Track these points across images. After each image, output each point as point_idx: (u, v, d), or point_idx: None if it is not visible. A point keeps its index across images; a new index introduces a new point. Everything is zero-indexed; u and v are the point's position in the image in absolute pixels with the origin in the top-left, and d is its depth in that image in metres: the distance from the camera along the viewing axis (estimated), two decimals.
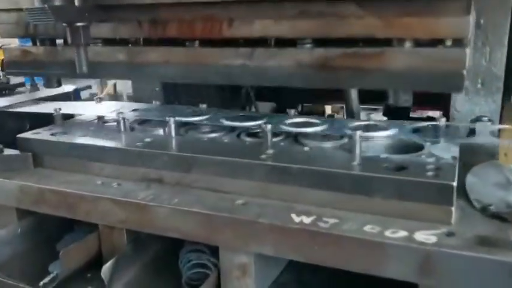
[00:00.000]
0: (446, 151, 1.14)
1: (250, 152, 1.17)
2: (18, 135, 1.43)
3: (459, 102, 1.42)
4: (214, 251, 1.27)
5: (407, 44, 0.97)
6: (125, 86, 3.08)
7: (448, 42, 0.97)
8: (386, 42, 0.99)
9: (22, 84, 2.07)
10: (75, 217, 1.25)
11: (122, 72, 1.23)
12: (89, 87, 3.81)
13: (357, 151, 1.08)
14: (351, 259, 0.96)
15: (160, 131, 1.39)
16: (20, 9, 1.24)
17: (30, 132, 1.46)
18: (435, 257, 0.89)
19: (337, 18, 0.97)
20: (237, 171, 1.14)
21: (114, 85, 4.43)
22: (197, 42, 1.14)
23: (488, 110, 1.43)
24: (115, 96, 4.05)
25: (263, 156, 1.14)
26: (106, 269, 1.15)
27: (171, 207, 1.11)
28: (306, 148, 1.21)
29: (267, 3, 1.01)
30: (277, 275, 1.21)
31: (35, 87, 1.95)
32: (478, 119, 1.36)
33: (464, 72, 0.94)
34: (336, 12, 0.97)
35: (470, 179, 1.14)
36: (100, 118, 1.55)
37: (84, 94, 3.27)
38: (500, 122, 1.54)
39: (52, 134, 1.42)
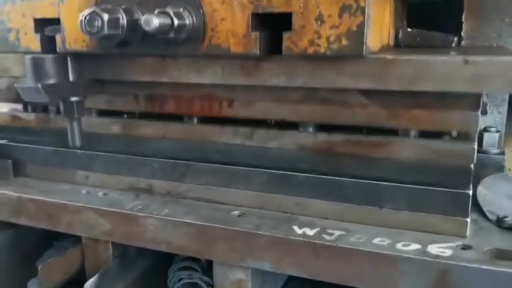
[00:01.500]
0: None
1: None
2: None
3: None
4: (206, 268, 1.19)
5: (413, 133, 0.92)
6: None
7: (454, 133, 0.92)
8: (392, 130, 0.94)
9: None
10: (56, 229, 1.16)
11: (117, 145, 1.17)
12: None
13: None
14: (359, 274, 0.87)
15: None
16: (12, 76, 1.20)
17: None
18: (452, 272, 0.82)
19: (342, 105, 0.94)
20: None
21: None
22: (195, 118, 1.10)
23: (494, 122, 1.39)
24: None
25: None
26: (89, 285, 1.05)
27: (161, 217, 1.02)
28: None
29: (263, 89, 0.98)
30: None
31: None
32: (485, 130, 1.31)
33: (472, 166, 0.89)
34: (341, 100, 0.93)
35: (481, 190, 1.08)
36: None
37: None
38: (506, 132, 1.49)
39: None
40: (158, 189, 1.14)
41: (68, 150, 1.23)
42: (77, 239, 1.30)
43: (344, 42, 0.82)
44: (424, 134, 0.93)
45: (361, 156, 0.94)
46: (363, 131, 0.97)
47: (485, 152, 1.28)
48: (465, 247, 0.87)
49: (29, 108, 1.33)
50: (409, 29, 1.16)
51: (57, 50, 1.05)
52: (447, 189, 0.90)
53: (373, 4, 0.86)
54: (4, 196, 1.21)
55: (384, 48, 1.02)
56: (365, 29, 0.81)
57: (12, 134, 1.32)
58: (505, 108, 1.41)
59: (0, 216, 1.23)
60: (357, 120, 0.95)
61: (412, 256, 0.84)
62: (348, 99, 0.93)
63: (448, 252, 0.85)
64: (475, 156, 0.90)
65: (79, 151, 1.22)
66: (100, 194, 1.17)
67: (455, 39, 1.17)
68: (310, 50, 0.85)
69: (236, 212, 1.03)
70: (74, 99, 1.04)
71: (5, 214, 1.22)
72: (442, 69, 0.82)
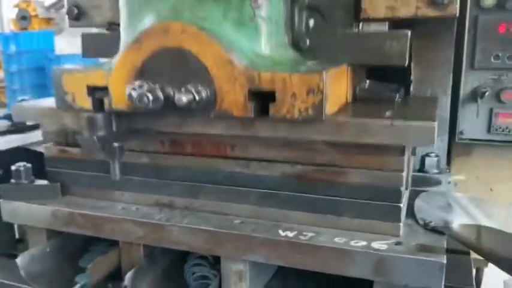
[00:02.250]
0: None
1: None
2: (47, 167, 1.70)
3: None
4: (213, 264, 1.55)
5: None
6: None
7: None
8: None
9: (37, 126, 2.36)
10: (100, 235, 1.52)
11: (148, 173, 1.54)
12: None
13: None
14: (324, 263, 1.25)
15: None
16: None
17: None
18: (388, 260, 1.20)
19: (310, 150, 1.33)
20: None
21: None
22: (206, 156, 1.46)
23: (436, 147, 1.77)
24: None
25: None
26: (129, 277, 1.41)
27: (182, 225, 1.39)
28: None
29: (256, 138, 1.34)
30: (267, 281, 1.49)
31: None
32: (427, 155, 1.69)
33: (402, 190, 1.27)
34: (311, 147, 1.32)
35: (418, 202, 1.46)
36: None
37: None
38: (449, 157, 1.88)
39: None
40: (178, 205, 1.50)
41: (107, 175, 1.60)
42: (108, 244, 1.67)
43: (310, 111, 1.19)
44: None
45: (326, 180, 1.32)
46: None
47: (426, 172, 1.66)
48: (398, 243, 1.24)
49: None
50: (365, 84, 1.55)
51: (105, 109, 1.38)
52: (385, 203, 1.28)
53: (331, 84, 1.23)
54: (57, 211, 1.56)
55: (341, 107, 1.40)
56: (323, 103, 1.18)
57: (60, 163, 1.67)
58: (446, 137, 1.79)
59: (55, 226, 1.59)
60: (320, 161, 1.32)
61: (360, 250, 1.22)
62: (314, 147, 1.31)
63: (385, 247, 1.22)
64: (404, 181, 1.27)
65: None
66: (133, 208, 1.53)
67: (402, 90, 1.55)
68: (288, 116, 1.21)
69: (237, 221, 1.40)
70: (115, 145, 1.35)
71: (58, 224, 1.57)
72: (376, 130, 1.20)
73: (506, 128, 1.74)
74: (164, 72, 1.27)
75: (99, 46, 1.80)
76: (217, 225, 1.38)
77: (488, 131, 1.76)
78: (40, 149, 1.81)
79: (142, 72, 1.30)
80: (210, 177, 1.45)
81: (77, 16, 1.77)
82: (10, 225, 1.82)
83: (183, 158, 1.48)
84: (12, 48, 8.47)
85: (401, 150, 1.24)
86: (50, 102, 1.57)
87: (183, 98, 1.18)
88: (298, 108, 1.21)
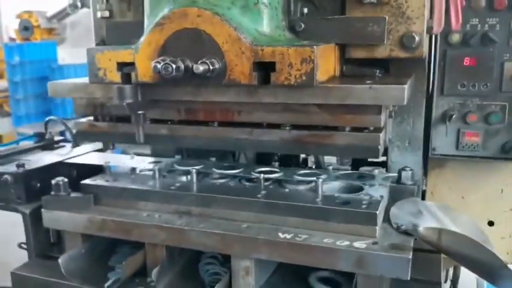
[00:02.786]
0: (377, 192, 1.76)
1: (250, 193, 1.77)
2: (82, 182, 1.99)
3: (394, 156, 2.05)
4: (223, 262, 1.84)
5: (347, 129, 1.59)
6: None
7: (371, 128, 1.60)
8: (335, 128, 1.62)
9: (64, 140, 2.64)
10: (129, 238, 1.81)
11: (166, 141, 1.83)
12: None
13: (319, 192, 1.69)
14: (316, 259, 1.55)
15: (184, 178, 1.98)
16: (93, 98, 1.85)
17: (89, 179, 2.03)
18: (366, 257, 1.50)
19: (305, 113, 1.61)
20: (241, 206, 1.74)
21: None
22: (216, 123, 1.75)
23: (413, 162, 2.06)
24: None
25: (259, 195, 1.75)
26: (155, 273, 1.70)
27: (198, 229, 1.69)
28: (287, 190, 1.81)
29: (260, 104, 1.64)
30: (269, 276, 1.79)
31: (75, 144, 2.53)
32: (403, 169, 1.99)
33: (380, 147, 1.56)
34: (305, 110, 1.61)
35: (393, 209, 1.76)
36: (134, 168, 2.13)
37: None
38: (425, 170, 2.18)
39: (106, 181, 2.00)
40: (194, 212, 1.80)
41: (133, 187, 1.90)
42: (131, 247, 1.97)
43: (304, 78, 1.46)
44: (353, 130, 1.59)
45: (318, 143, 1.61)
46: (319, 128, 1.63)
47: (403, 184, 1.96)
48: (374, 243, 1.54)
49: (100, 119, 1.94)
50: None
51: (132, 81, 1.61)
52: (365, 211, 1.58)
53: (320, 57, 1.50)
54: (92, 218, 1.86)
55: (331, 78, 1.67)
56: (314, 71, 1.45)
57: (90, 137, 1.94)
58: (420, 152, 2.09)
59: (90, 231, 1.88)
60: (314, 121, 1.61)
61: (344, 248, 1.52)
62: (308, 109, 1.60)
63: (364, 246, 1.52)
64: (381, 140, 1.56)
65: (140, 188, 1.88)
66: (156, 216, 1.82)
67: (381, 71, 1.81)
68: (286, 82, 1.48)
69: (244, 225, 1.69)
70: (140, 112, 1.63)
71: (93, 230, 1.87)
72: (358, 92, 1.50)
73: (472, 145, 2.04)
74: (183, 49, 1.53)
75: (120, 33, 1.97)
76: (227, 229, 1.67)
77: (457, 147, 2.06)
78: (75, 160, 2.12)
79: (165, 50, 1.55)
80: (219, 144, 1.77)
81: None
82: (47, 231, 2.11)
83: (195, 127, 1.77)
84: (16, 58, 8.75)
85: (378, 109, 1.54)
86: (80, 80, 1.88)
87: (200, 67, 1.46)
88: (294, 75, 1.47)
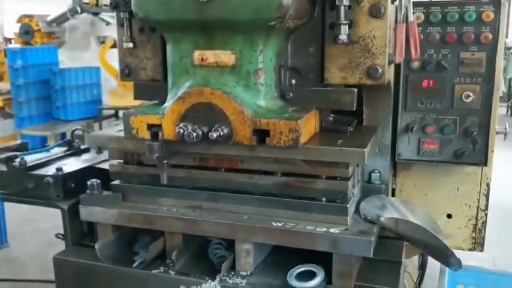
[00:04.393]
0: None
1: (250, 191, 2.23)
2: (112, 183, 2.43)
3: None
4: (227, 247, 2.28)
5: (323, 177, 2.06)
6: None
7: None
8: (314, 176, 2.08)
9: (88, 149, 3.08)
10: (153, 228, 2.25)
11: (183, 182, 2.28)
12: None
13: None
14: (300, 242, 2.00)
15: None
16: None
17: (116, 181, 2.46)
18: (339, 239, 1.95)
19: (292, 164, 2.08)
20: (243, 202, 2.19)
21: None
22: (223, 169, 2.21)
23: (382, 165, 2.52)
24: None
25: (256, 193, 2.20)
26: (174, 255, 2.14)
27: (209, 220, 2.14)
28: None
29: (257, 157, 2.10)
30: (265, 256, 2.24)
31: (99, 150, 2.97)
32: (373, 171, 2.45)
33: (348, 192, 2.03)
34: (292, 162, 2.07)
35: (362, 204, 2.21)
36: None
37: None
38: (395, 171, 2.64)
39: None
40: (205, 207, 2.25)
41: (155, 187, 2.34)
42: (151, 235, 2.40)
43: (291, 142, 1.92)
44: (328, 178, 2.06)
45: (301, 186, 2.07)
46: (302, 175, 2.09)
47: (372, 183, 2.42)
48: (346, 229, 1.99)
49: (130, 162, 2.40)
50: (330, 117, 2.29)
51: (159, 138, 2.04)
52: (339, 204, 2.04)
53: (303, 125, 1.97)
54: (122, 212, 2.29)
55: (312, 137, 2.13)
56: (299, 137, 1.92)
57: (122, 176, 2.39)
58: (388, 157, 2.55)
59: (120, 223, 2.31)
60: (298, 170, 2.07)
61: (323, 233, 1.97)
62: (294, 162, 2.06)
63: (338, 231, 1.97)
64: (350, 186, 2.03)
65: (161, 188, 2.33)
66: (174, 209, 2.25)
67: (355, 121, 2.29)
68: (277, 144, 1.94)
69: (245, 216, 2.14)
70: (164, 161, 2.11)
71: (123, 221, 2.30)
72: (331, 153, 1.97)
73: (430, 151, 2.49)
74: (199, 117, 1.99)
75: (145, 92, 2.50)
76: (232, 219, 2.12)
77: (418, 153, 2.51)
78: (102, 165, 2.57)
79: (185, 117, 2.01)
80: (226, 185, 2.21)
81: (128, 74, 2.51)
82: (81, 223, 2.55)
83: (207, 172, 2.23)
84: (19, 62, 9.02)
85: (347, 165, 2.01)
86: (113, 131, 2.36)
87: (214, 134, 1.92)
88: (283, 140, 1.94)
